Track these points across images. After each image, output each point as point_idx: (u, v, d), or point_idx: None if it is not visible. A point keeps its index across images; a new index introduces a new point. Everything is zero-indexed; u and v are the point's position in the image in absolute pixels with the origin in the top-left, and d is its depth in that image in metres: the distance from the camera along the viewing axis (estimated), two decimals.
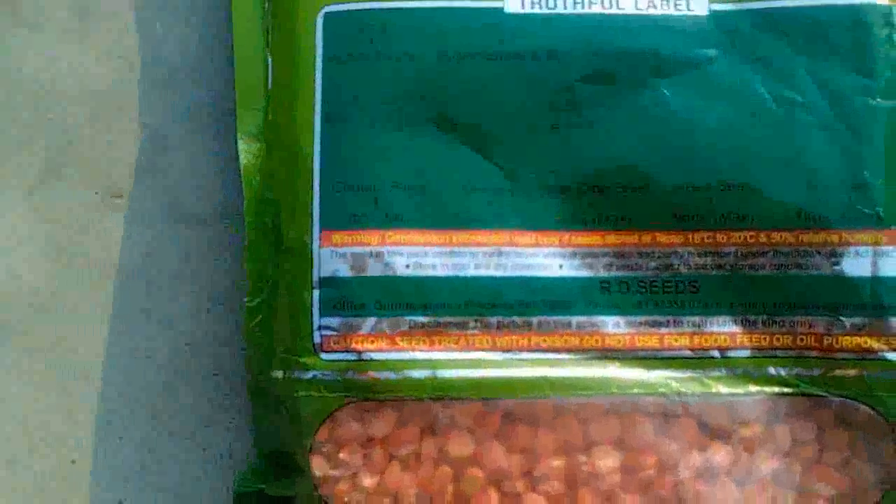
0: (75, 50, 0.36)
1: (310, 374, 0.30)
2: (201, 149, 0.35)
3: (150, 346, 0.35)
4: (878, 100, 0.30)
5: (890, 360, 0.30)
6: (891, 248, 0.30)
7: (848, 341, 0.30)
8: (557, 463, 0.31)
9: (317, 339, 0.31)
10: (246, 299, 0.32)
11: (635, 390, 0.30)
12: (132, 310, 0.35)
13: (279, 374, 0.31)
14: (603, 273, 0.31)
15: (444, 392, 0.30)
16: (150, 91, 0.36)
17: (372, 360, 0.30)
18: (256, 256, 0.32)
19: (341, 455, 0.30)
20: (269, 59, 0.32)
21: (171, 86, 0.35)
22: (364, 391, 0.30)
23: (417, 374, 0.30)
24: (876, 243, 0.30)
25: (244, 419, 0.35)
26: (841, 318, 0.30)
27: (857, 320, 0.30)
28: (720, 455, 0.31)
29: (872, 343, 0.30)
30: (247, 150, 0.32)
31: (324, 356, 0.30)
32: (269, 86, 0.32)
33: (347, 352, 0.30)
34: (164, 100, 0.35)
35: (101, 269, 0.35)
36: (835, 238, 0.30)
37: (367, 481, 0.31)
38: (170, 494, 0.35)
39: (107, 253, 0.35)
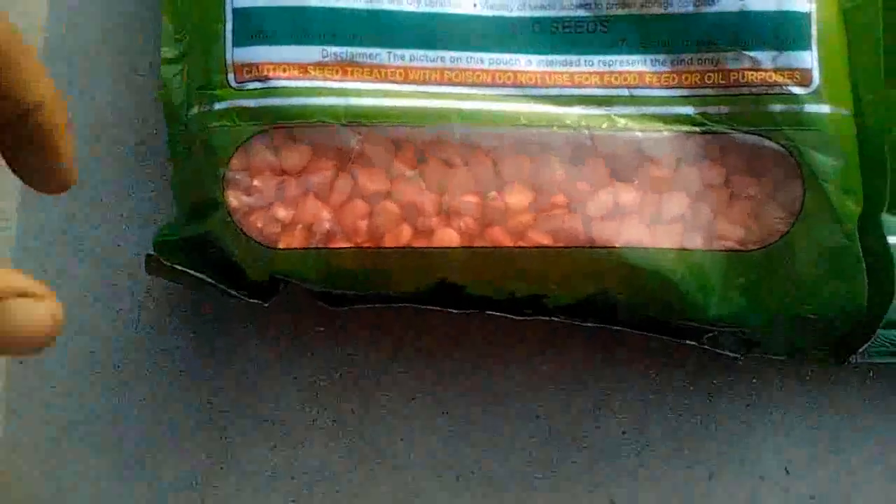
0: None
1: (224, 105, 0.31)
2: None
3: (72, 118, 0.35)
4: None
5: (795, 94, 0.31)
6: None
7: (753, 76, 0.31)
8: (470, 198, 0.31)
9: (230, 71, 0.31)
10: (163, 49, 0.32)
11: (543, 122, 0.31)
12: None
13: (195, 110, 0.31)
14: (516, 13, 0.31)
15: (356, 118, 0.30)
16: None
17: (285, 87, 0.30)
18: (175, 6, 0.32)
19: (255, 182, 0.31)
20: None
21: None
22: (277, 117, 0.30)
23: (330, 101, 0.30)
24: None
25: (167, 189, 0.35)
26: (746, 52, 0.31)
27: (763, 55, 0.31)
28: (629, 194, 0.31)
29: (777, 77, 0.31)
30: None
31: (236, 86, 0.31)
32: None
33: (260, 80, 0.31)
34: None
35: None
36: None
37: (282, 213, 0.31)
38: (91, 260, 0.35)
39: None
